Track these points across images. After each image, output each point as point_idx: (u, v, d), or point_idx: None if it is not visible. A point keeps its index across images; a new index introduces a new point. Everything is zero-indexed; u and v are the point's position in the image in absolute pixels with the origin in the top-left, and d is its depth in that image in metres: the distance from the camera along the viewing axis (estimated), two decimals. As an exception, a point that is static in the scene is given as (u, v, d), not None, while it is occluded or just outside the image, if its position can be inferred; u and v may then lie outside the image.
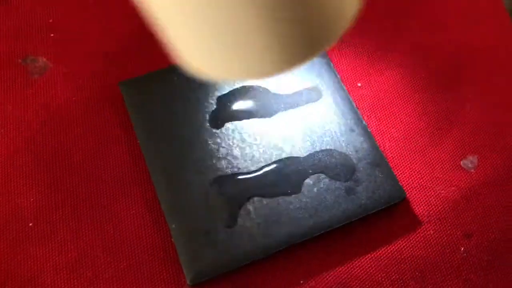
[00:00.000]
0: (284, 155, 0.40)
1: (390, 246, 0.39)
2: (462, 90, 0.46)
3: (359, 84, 0.45)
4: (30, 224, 0.38)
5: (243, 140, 0.40)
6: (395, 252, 0.39)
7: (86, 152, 0.41)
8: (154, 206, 0.39)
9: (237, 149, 0.40)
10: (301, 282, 0.37)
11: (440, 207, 0.41)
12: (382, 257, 0.39)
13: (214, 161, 0.39)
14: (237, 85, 0.42)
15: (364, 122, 0.42)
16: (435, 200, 0.41)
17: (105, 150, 0.41)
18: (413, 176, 0.42)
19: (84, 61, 0.44)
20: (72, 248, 0.37)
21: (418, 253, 0.39)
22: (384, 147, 0.43)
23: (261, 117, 0.41)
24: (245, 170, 0.39)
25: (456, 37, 0.49)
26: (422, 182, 0.42)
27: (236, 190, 0.38)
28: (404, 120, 0.44)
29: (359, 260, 0.38)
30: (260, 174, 0.39)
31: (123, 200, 0.39)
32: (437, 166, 0.42)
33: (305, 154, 0.40)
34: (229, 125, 0.41)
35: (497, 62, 0.48)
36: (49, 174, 0.39)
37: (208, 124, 0.40)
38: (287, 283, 0.37)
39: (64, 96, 0.43)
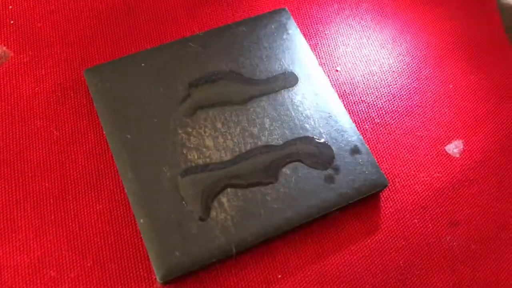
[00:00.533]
0: (259, 144, 0.38)
1: (372, 237, 0.37)
2: (445, 72, 0.44)
3: (338, 69, 0.43)
4: (-11, 222, 0.35)
5: (215, 129, 0.38)
6: (378, 243, 0.37)
7: (49, 145, 0.38)
8: (122, 201, 0.37)
9: (209, 138, 0.38)
10: (279, 276, 0.35)
11: (424, 195, 0.39)
12: (363, 248, 0.37)
13: (184, 151, 0.37)
14: (209, 70, 0.40)
15: (343, 108, 0.39)
16: (419, 188, 0.39)
17: (69, 143, 0.38)
18: (395, 163, 0.40)
19: (47, 49, 0.42)
20: (35, 247, 0.35)
21: (402, 243, 0.37)
22: (365, 134, 0.41)
23: (234, 104, 0.39)
24: (218, 160, 0.37)
25: (436, 21, 0.47)
26: (405, 170, 0.40)
27: (208, 181, 0.36)
28: (385, 105, 0.42)
29: (339, 251, 0.36)
30: (234, 164, 0.37)
31: (88, 195, 0.37)
32: (420, 152, 0.40)
33: (281, 142, 0.38)
34: (200, 113, 0.38)
35: (481, 43, 0.46)
36: (9, 169, 0.37)
37: (178, 112, 0.38)
38: (264, 278, 0.35)
39: (25, 87, 0.40)
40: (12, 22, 0.42)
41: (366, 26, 0.46)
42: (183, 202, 0.35)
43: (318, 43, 0.44)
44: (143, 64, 0.39)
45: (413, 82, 0.43)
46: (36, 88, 0.40)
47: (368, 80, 0.43)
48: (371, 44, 0.45)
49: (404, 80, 0.43)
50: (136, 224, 0.36)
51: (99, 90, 0.38)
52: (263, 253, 0.36)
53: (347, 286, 0.35)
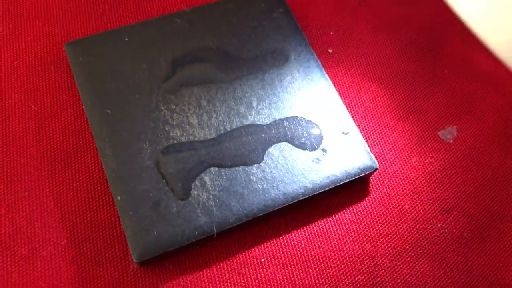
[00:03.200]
0: (245, 123, 0.36)
1: (361, 222, 0.36)
2: (440, 57, 0.43)
3: (330, 50, 0.42)
4: (-41, 197, 0.34)
5: (200, 106, 0.36)
6: (366, 229, 0.35)
7: (27, 120, 0.37)
8: (100, 178, 0.35)
9: (194, 116, 0.36)
10: (262, 260, 0.34)
11: (416, 180, 0.37)
12: (352, 233, 0.35)
13: (167, 129, 0.35)
14: (195, 47, 0.38)
15: (334, 88, 0.38)
16: (410, 173, 0.38)
17: (47, 118, 0.37)
18: (386, 147, 0.38)
19: (28, 22, 0.40)
20: (7, 223, 0.33)
21: (391, 229, 0.36)
22: (355, 116, 0.39)
23: (220, 82, 0.37)
24: (201, 138, 0.35)
25: (433, 5, 0.45)
26: (397, 154, 0.38)
27: (191, 159, 0.34)
28: (378, 88, 0.41)
29: (326, 236, 0.35)
30: (218, 143, 0.35)
31: (65, 172, 0.35)
32: (413, 136, 0.39)
33: (268, 122, 0.36)
34: (185, 90, 0.37)
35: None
36: (-17, 143, 0.35)
37: (161, 89, 0.37)
38: (246, 261, 0.34)
39: (4, 60, 0.39)
40: (-8, -7, 0.41)
41: (359, 8, 0.44)
42: (164, 180, 0.34)
43: (309, 24, 0.43)
44: (126, 39, 0.38)
45: (407, 65, 0.42)
46: (15, 62, 0.39)
47: (360, 63, 0.42)
48: (365, 25, 0.43)
49: (399, 63, 0.42)
50: (114, 203, 0.34)
51: (80, 64, 0.37)
52: (246, 235, 0.34)
53: (334, 272, 0.34)
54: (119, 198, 0.33)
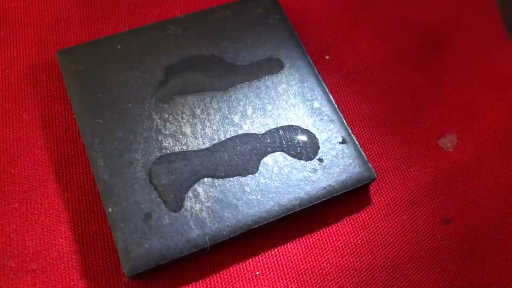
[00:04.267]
0: (240, 132, 0.35)
1: (358, 233, 0.35)
2: (440, 64, 0.42)
3: (327, 57, 0.41)
4: None
5: (194, 116, 0.36)
6: (364, 240, 0.35)
7: (17, 129, 0.36)
8: (91, 190, 0.35)
9: (187, 125, 0.35)
10: (257, 273, 0.33)
11: (415, 190, 0.37)
12: (349, 245, 0.34)
13: (160, 138, 0.35)
14: (189, 54, 0.38)
15: (331, 97, 0.37)
16: (409, 183, 0.37)
17: (38, 127, 0.36)
18: (384, 156, 0.38)
19: (20, 29, 0.40)
20: (-4, 236, 0.33)
21: (390, 240, 0.35)
22: (352, 125, 0.38)
23: (215, 90, 0.37)
24: (195, 148, 0.35)
25: (432, 10, 0.45)
26: (395, 163, 0.37)
27: (184, 170, 0.34)
28: (376, 96, 0.40)
29: (323, 248, 0.34)
30: (212, 153, 0.34)
31: (57, 183, 0.34)
32: (411, 145, 0.38)
33: (263, 131, 0.36)
34: (178, 99, 0.36)
35: (477, 35, 0.44)
36: (-27, 153, 0.35)
37: (154, 98, 0.36)
38: (240, 274, 0.33)
39: (-5, 68, 0.38)
40: (-17, 0, 0.40)
41: (357, 14, 0.43)
42: (156, 192, 0.33)
43: (306, 31, 0.42)
44: (119, 47, 0.37)
45: (406, 72, 0.41)
46: (7, 70, 0.38)
47: (358, 70, 0.41)
48: (362, 32, 0.43)
49: (397, 70, 0.41)
50: (105, 215, 0.34)
51: (72, 73, 0.36)
52: (240, 248, 0.34)
53: (330, 285, 0.33)
54: (110, 210, 0.32)
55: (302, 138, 0.36)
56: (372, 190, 0.36)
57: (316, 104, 0.37)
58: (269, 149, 0.35)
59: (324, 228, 0.35)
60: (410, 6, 0.44)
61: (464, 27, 0.44)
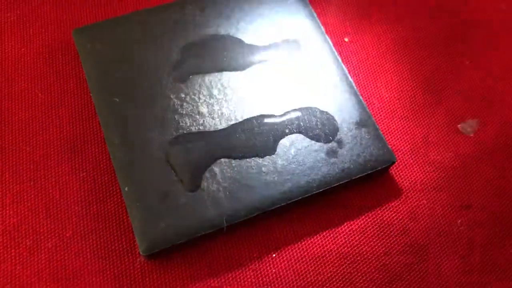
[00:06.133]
0: (257, 113, 0.35)
1: (377, 217, 0.34)
2: (460, 47, 0.41)
3: (346, 39, 0.40)
4: (-37, 186, 0.33)
5: (211, 96, 0.35)
6: (382, 224, 0.34)
7: (33, 108, 0.36)
8: (107, 169, 0.34)
9: (204, 105, 0.35)
10: (274, 255, 0.33)
11: (435, 175, 0.36)
12: (367, 229, 0.34)
13: (176, 118, 0.34)
14: (206, 33, 0.37)
15: (350, 79, 0.37)
16: (429, 167, 0.36)
17: (54, 106, 0.36)
18: (404, 139, 0.37)
19: (36, 8, 0.39)
20: (11, 214, 0.32)
21: (409, 225, 0.34)
22: (372, 108, 0.38)
23: (232, 70, 0.36)
24: (212, 129, 0.34)
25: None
26: (415, 147, 0.37)
27: (201, 150, 0.33)
28: (396, 79, 0.39)
29: (340, 231, 0.34)
30: (229, 133, 0.34)
31: (72, 162, 0.34)
32: (432, 129, 0.37)
33: (281, 112, 0.35)
34: (195, 78, 0.36)
35: (498, 19, 0.43)
36: (-12, 131, 0.35)
37: (171, 77, 0.35)
38: (257, 256, 0.32)
39: (11, 47, 0.38)
40: (0, -22, 0.40)
41: (377, -4, 0.43)
42: (172, 171, 0.32)
43: (325, 11, 0.41)
44: (136, 26, 0.37)
45: (426, 55, 0.40)
46: (23, 49, 0.38)
47: (377, 53, 0.40)
48: (382, 14, 0.42)
49: (417, 53, 0.40)
50: (121, 195, 0.33)
51: (88, 51, 0.36)
52: (257, 229, 0.33)
53: (347, 269, 0.32)
54: (126, 189, 0.32)
55: (320, 120, 0.35)
56: (391, 173, 0.36)
57: (335, 86, 0.36)
58: (287, 131, 0.34)
59: (342, 211, 0.34)
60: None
61: (486, 10, 0.43)
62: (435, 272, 0.33)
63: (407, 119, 0.38)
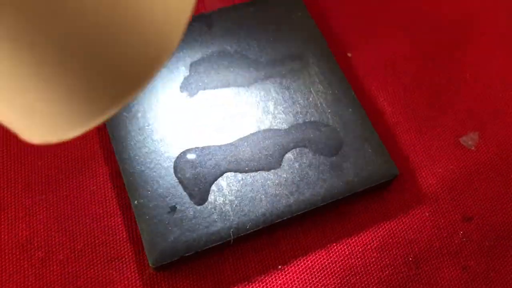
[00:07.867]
0: (263, 127, 0.36)
1: (380, 229, 0.35)
2: (461, 60, 0.42)
3: (349, 54, 0.41)
4: (-23, 199, 0.34)
5: (217, 111, 0.36)
6: (386, 235, 0.35)
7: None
8: (117, 182, 0.35)
9: (211, 120, 0.36)
10: (279, 267, 0.33)
11: (437, 187, 0.37)
12: (371, 241, 0.34)
13: (184, 132, 0.35)
14: (213, 50, 0.38)
15: (353, 93, 0.37)
16: (431, 179, 0.37)
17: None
18: (407, 152, 0.38)
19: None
20: (24, 227, 0.33)
21: (412, 236, 0.35)
22: (375, 122, 0.39)
23: (238, 86, 0.37)
24: (218, 143, 0.35)
25: (454, 6, 0.45)
26: (417, 160, 0.38)
27: (208, 164, 0.34)
28: (398, 93, 0.40)
29: (345, 243, 0.34)
30: (236, 147, 0.35)
31: (83, 175, 0.35)
32: (434, 142, 0.38)
33: (286, 127, 0.36)
34: (202, 94, 0.37)
35: (499, 32, 0.44)
36: (1, 146, 0.35)
37: (179, 92, 0.36)
38: (263, 268, 0.33)
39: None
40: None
41: (379, 10, 0.44)
42: (180, 185, 0.33)
43: (329, 27, 0.42)
44: (144, 42, 0.38)
45: (427, 68, 0.41)
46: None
47: (380, 67, 0.41)
48: (384, 28, 0.43)
49: (418, 66, 0.41)
50: (131, 208, 0.34)
51: (98, 67, 0.37)
52: (263, 242, 0.34)
53: (352, 280, 0.33)
54: (136, 202, 0.33)
55: (325, 133, 0.36)
56: (393, 186, 0.36)
57: (339, 101, 0.37)
58: (292, 145, 0.35)
59: (346, 223, 0.35)
60: (432, 2, 0.44)
61: (486, 23, 0.44)
62: (437, 284, 0.34)
63: (409, 133, 0.38)
